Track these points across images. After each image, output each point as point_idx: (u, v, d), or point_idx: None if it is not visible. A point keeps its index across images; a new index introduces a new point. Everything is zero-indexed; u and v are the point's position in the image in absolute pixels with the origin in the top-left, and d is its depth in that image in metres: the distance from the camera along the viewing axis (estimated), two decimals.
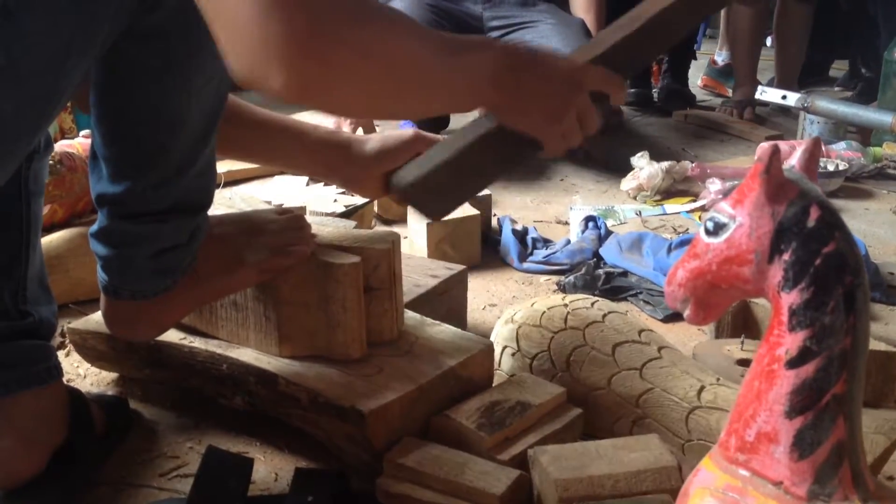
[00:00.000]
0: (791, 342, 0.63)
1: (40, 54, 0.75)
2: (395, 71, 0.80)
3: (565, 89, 0.96)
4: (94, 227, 0.97)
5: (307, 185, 2.02)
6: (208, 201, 1.01)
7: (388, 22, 0.79)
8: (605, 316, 1.19)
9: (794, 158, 0.65)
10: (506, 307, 1.49)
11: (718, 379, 1.10)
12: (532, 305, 1.24)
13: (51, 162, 1.48)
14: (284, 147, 1.15)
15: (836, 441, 0.63)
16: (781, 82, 3.12)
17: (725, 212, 0.65)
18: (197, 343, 1.13)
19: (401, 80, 0.81)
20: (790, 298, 0.63)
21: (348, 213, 1.64)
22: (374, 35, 0.76)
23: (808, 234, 0.63)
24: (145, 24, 0.84)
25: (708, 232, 0.66)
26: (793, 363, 0.63)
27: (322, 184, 2.04)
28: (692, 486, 0.67)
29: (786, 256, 0.63)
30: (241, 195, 1.45)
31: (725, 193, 1.97)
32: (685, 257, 0.67)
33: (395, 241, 1.10)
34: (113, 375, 1.28)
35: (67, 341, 1.32)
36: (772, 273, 0.64)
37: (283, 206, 1.43)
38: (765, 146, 0.65)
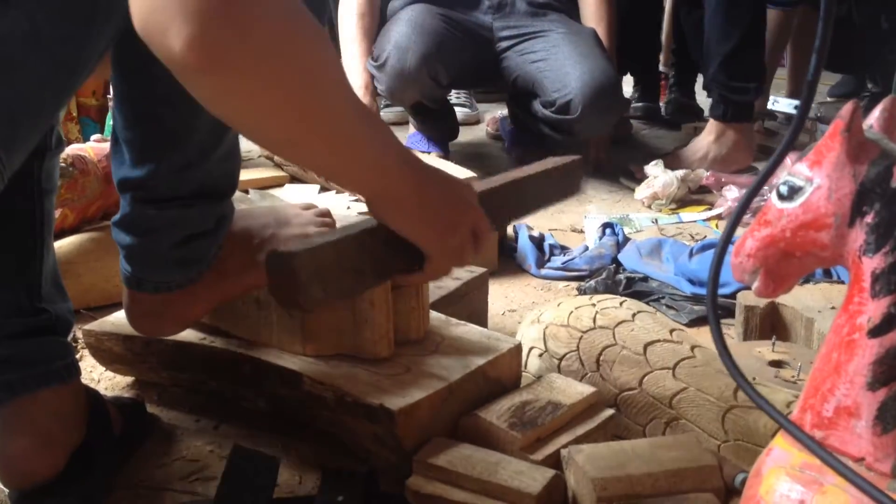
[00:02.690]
0: (874, 309, 0.60)
1: (64, 21, 0.73)
2: (312, 86, 0.67)
3: (464, 202, 0.90)
4: (117, 217, 0.95)
5: (319, 192, 2.00)
6: (233, 187, 0.99)
7: (323, 40, 0.69)
8: (634, 315, 1.16)
9: (872, 118, 0.62)
10: (525, 313, 1.46)
11: (755, 378, 1.07)
12: (558, 305, 1.21)
13: (63, 165, 1.46)
14: None
15: None
16: (793, 95, 3.11)
17: (801, 174, 0.61)
18: (218, 342, 1.10)
19: (313, 102, 0.68)
20: (873, 263, 0.60)
21: None
22: (305, 40, 0.66)
23: (893, 195, 0.59)
24: None
25: (781, 196, 0.62)
26: (876, 331, 0.59)
27: (334, 191, 2.01)
28: (765, 466, 0.63)
29: (868, 219, 0.60)
30: (261, 193, 1.42)
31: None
32: (754, 226, 0.64)
33: None
34: (127, 380, 1.25)
35: (80, 346, 1.29)
36: (852, 237, 0.61)
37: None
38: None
